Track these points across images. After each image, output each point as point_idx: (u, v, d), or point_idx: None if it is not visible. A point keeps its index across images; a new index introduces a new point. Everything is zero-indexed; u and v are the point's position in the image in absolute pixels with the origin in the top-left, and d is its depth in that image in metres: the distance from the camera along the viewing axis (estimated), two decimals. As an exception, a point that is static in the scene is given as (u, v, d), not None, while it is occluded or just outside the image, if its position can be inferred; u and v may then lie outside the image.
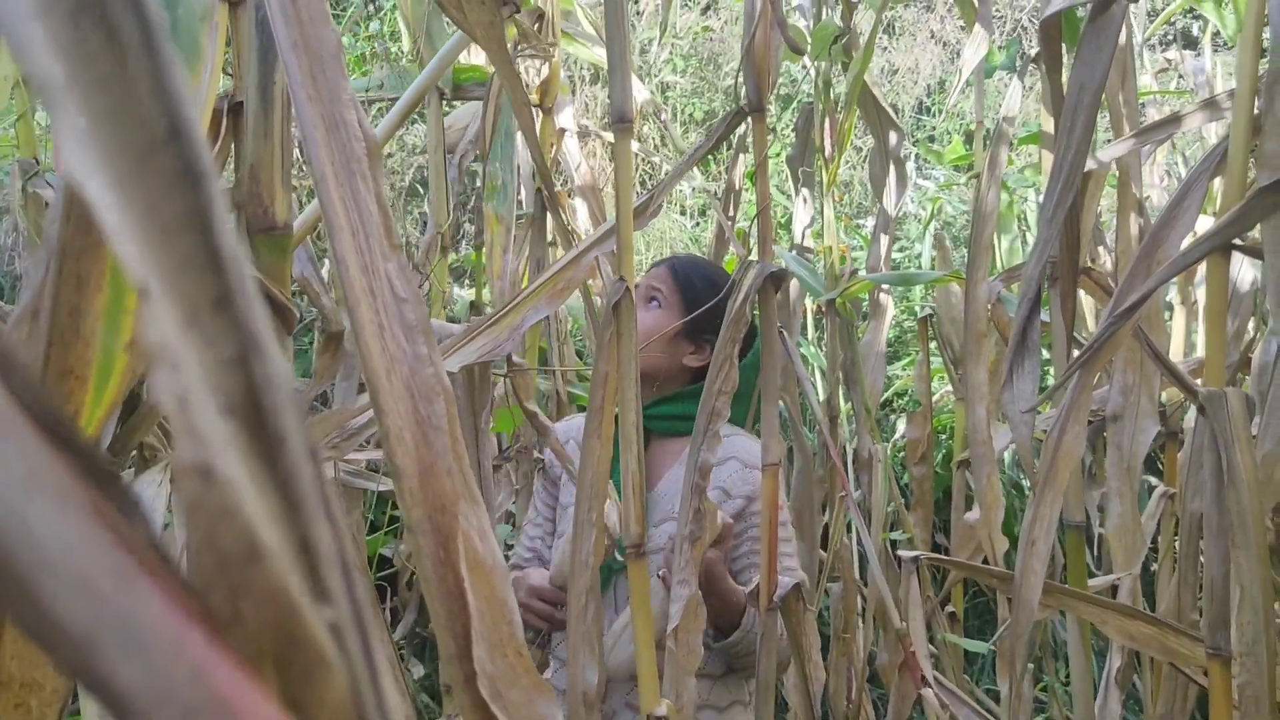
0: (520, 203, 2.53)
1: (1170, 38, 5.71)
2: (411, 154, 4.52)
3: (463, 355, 1.46)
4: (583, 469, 1.15)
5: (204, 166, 0.18)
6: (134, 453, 1.13)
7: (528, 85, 1.88)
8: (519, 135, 1.63)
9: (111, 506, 0.17)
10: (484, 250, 1.52)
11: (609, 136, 2.02)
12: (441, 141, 1.61)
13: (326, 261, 3.51)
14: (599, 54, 2.05)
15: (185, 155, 0.18)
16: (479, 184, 1.85)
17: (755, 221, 1.36)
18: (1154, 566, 2.63)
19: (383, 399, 0.59)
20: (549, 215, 2.06)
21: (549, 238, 2.02)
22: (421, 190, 4.42)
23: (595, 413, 1.15)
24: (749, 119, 1.35)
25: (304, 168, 3.45)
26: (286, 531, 0.18)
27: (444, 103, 1.75)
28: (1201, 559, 1.39)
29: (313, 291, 1.52)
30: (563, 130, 2.38)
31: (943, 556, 1.33)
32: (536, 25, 1.77)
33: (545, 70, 1.90)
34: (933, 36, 5.89)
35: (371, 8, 4.81)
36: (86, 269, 0.61)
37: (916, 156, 4.83)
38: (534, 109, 1.97)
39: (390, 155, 4.53)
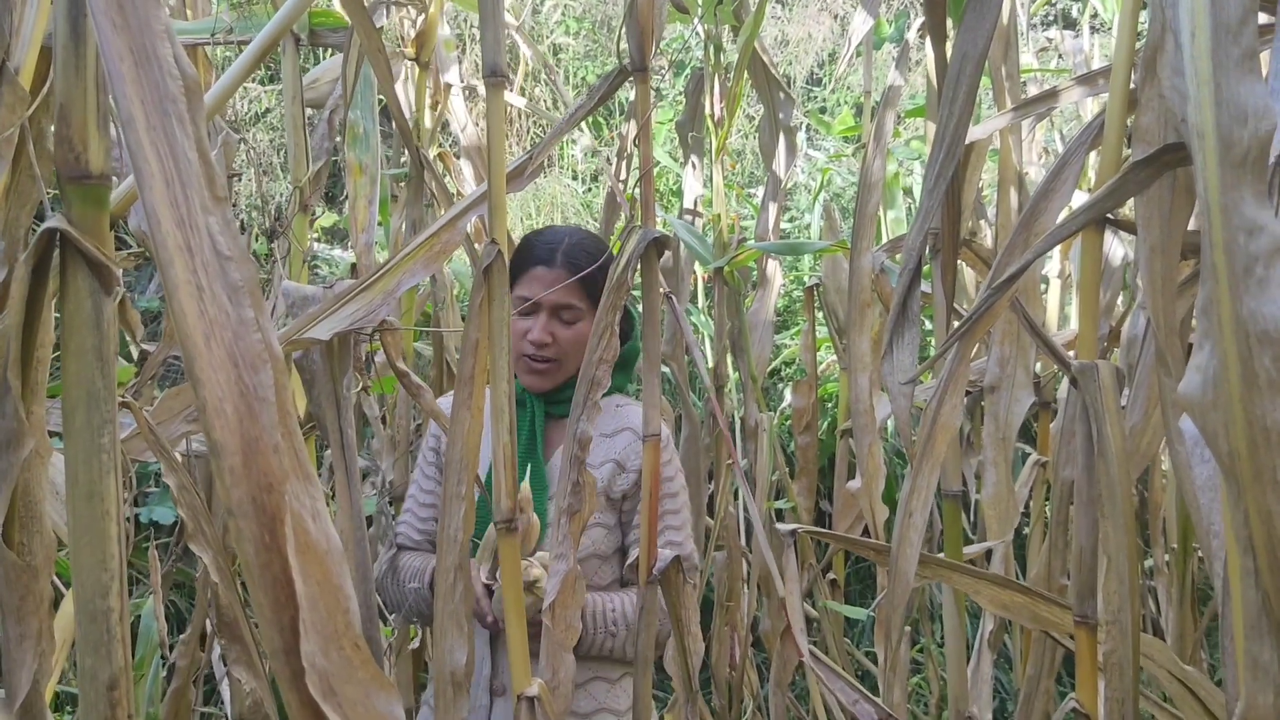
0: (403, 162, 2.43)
1: (1051, 18, 5.87)
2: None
3: (334, 321, 1.38)
4: (452, 440, 1.10)
5: None
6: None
7: (402, 38, 1.79)
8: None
9: None
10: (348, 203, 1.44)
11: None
12: (298, 92, 1.51)
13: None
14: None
15: None
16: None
17: (638, 186, 1.32)
18: (1026, 531, 2.72)
19: (200, 368, 0.53)
20: (427, 175, 1.98)
21: (426, 199, 1.95)
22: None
23: (465, 382, 1.10)
24: (632, 80, 1.30)
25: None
26: None
27: (301, 51, 1.65)
28: (1071, 524, 1.41)
29: (151, 247, 1.41)
30: (448, 86, 2.29)
31: (821, 530, 1.32)
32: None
33: (421, 22, 1.81)
34: (824, 8, 5.92)
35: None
36: None
37: (807, 127, 4.85)
38: (409, 62, 1.88)
39: (269, 110, 4.33)
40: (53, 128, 1.17)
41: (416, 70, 1.85)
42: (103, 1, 0.54)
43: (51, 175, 1.30)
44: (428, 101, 1.93)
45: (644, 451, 1.30)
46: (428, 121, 1.97)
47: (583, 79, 5.43)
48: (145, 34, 0.55)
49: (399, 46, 1.98)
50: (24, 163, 1.08)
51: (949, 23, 1.39)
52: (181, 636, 1.92)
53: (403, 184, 2.27)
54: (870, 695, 1.07)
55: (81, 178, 0.66)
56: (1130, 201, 1.08)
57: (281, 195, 3.90)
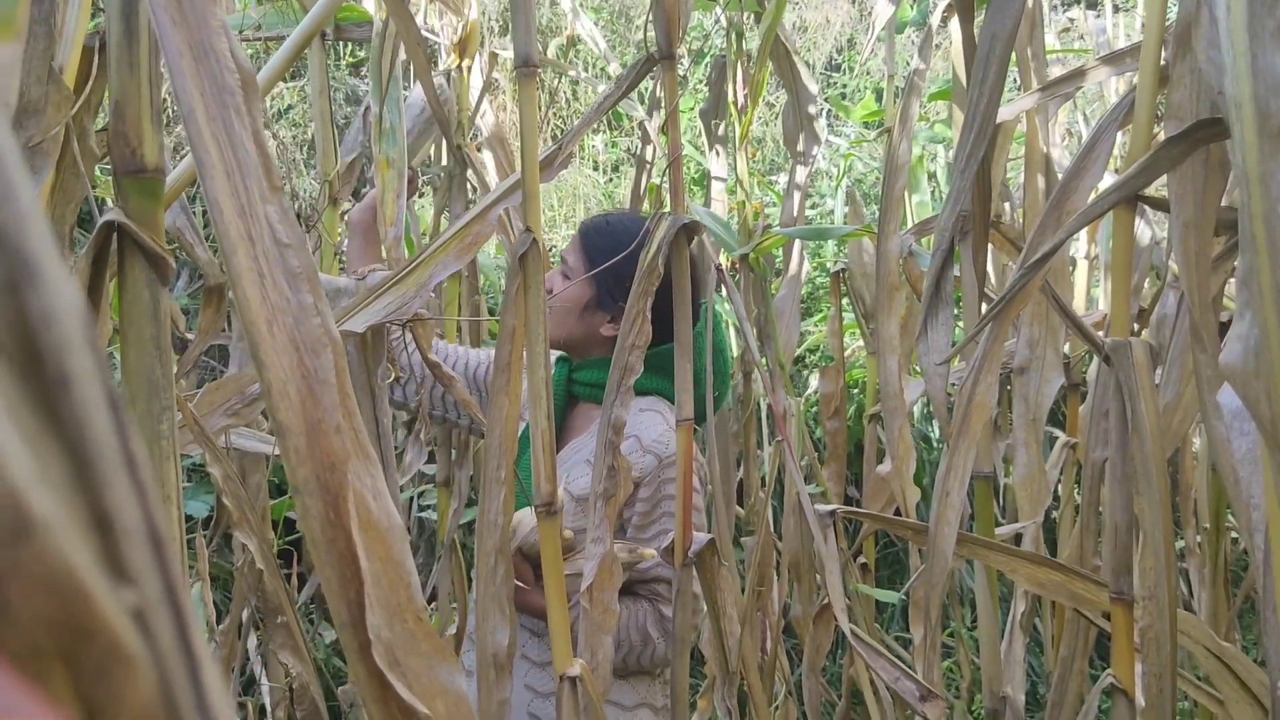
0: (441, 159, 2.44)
1: (1073, -2, 5.81)
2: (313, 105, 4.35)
3: (369, 314, 1.40)
4: (490, 426, 1.12)
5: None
6: None
7: (431, 44, 1.82)
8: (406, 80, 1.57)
9: None
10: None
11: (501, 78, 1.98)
12: (326, 86, 1.53)
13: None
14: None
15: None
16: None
17: (667, 174, 1.33)
18: (1055, 514, 2.72)
19: (264, 352, 0.55)
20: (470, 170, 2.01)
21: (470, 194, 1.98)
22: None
23: (502, 369, 1.11)
24: (659, 67, 1.31)
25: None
26: (73, 499, 0.14)
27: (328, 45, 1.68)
28: (1103, 507, 1.42)
29: (186, 241, 1.43)
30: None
31: (858, 510, 1.33)
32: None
33: (463, 29, 1.84)
34: (844, -8, 5.90)
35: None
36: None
37: (828, 113, 4.84)
38: (455, 68, 1.92)
39: (291, 107, 4.36)
40: (94, 126, 1.20)
41: (459, 76, 1.88)
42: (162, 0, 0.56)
43: (95, 174, 1.32)
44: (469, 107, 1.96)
45: (677, 435, 1.32)
46: (472, 121, 2.01)
47: (601, 69, 5.43)
48: (202, 29, 0.57)
49: (435, 48, 2.01)
50: (68, 160, 1.11)
51: (976, 2, 1.39)
52: (220, 627, 1.96)
53: (424, 181, 2.28)
54: (911, 672, 1.08)
55: (137, 171, 0.67)
56: (1160, 180, 1.09)
57: (306, 191, 3.93)
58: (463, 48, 1.94)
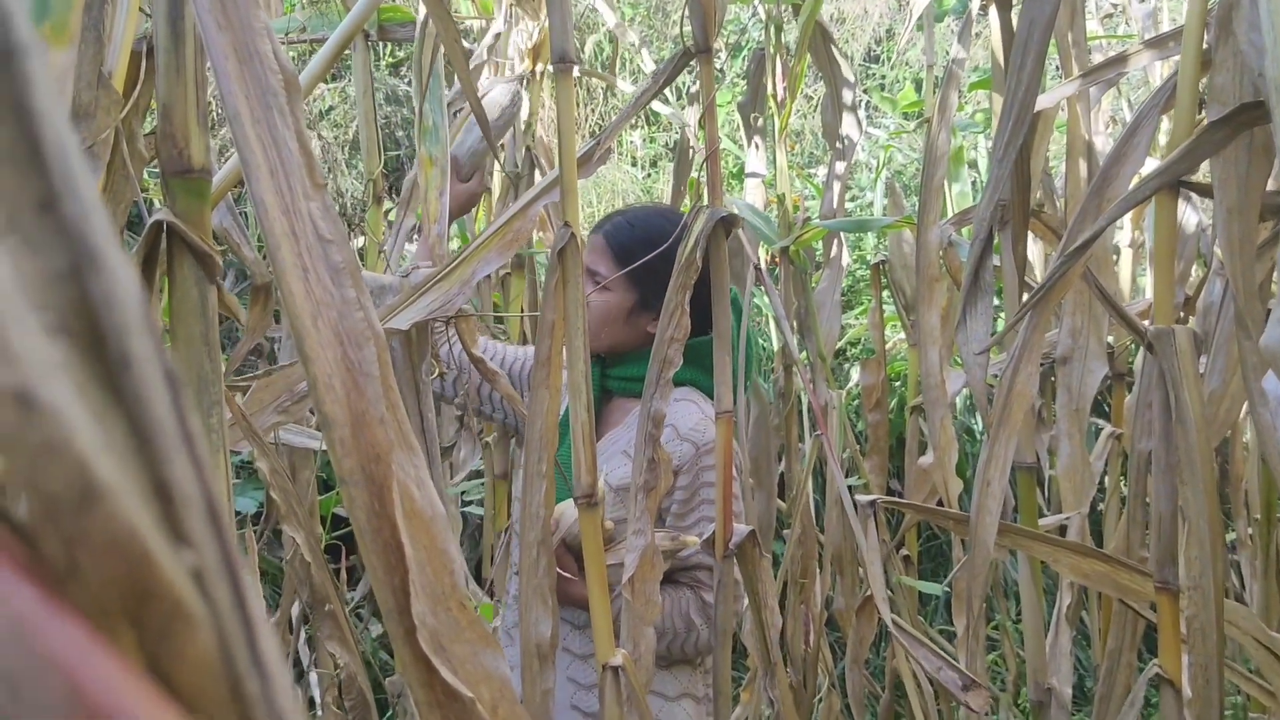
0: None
1: (1117, -18, 5.71)
2: (354, 105, 4.39)
3: (413, 311, 1.42)
4: (531, 419, 1.13)
5: (20, 41, 0.15)
6: None
7: (494, 49, 1.86)
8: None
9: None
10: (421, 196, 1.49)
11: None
12: (370, 87, 1.55)
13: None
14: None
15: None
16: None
17: (704, 167, 1.33)
18: (1101, 506, 2.68)
19: (309, 345, 0.56)
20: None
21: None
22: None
23: (543, 363, 1.12)
24: (696, 61, 1.32)
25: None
26: (135, 469, 0.15)
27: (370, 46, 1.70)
28: (1149, 497, 1.40)
29: (233, 242, 1.46)
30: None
31: (900, 500, 1.33)
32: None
33: (537, 34, 1.88)
34: (882, -17, 5.85)
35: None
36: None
37: (867, 104, 4.81)
38: (529, 75, 1.96)
39: (332, 108, 4.41)
40: (143, 130, 1.23)
41: (532, 81, 1.93)
42: (207, 3, 0.57)
43: (144, 177, 1.35)
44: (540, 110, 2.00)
45: (717, 427, 1.32)
46: (539, 130, 2.05)
47: (638, 67, 5.44)
48: (247, 32, 0.58)
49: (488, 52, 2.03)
50: (118, 162, 1.13)
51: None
52: (271, 620, 1.99)
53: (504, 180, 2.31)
54: (954, 662, 1.08)
55: (184, 172, 0.69)
56: (1204, 165, 1.07)
57: (349, 190, 3.98)
58: (536, 53, 1.97)
